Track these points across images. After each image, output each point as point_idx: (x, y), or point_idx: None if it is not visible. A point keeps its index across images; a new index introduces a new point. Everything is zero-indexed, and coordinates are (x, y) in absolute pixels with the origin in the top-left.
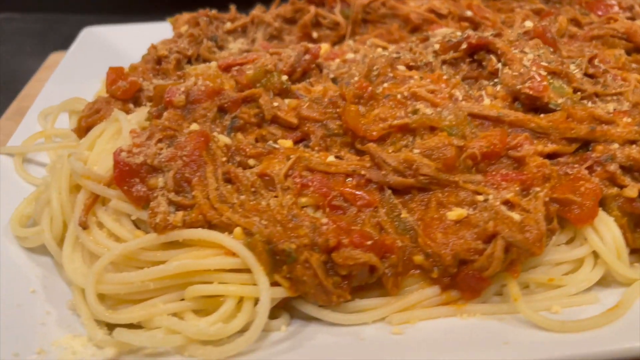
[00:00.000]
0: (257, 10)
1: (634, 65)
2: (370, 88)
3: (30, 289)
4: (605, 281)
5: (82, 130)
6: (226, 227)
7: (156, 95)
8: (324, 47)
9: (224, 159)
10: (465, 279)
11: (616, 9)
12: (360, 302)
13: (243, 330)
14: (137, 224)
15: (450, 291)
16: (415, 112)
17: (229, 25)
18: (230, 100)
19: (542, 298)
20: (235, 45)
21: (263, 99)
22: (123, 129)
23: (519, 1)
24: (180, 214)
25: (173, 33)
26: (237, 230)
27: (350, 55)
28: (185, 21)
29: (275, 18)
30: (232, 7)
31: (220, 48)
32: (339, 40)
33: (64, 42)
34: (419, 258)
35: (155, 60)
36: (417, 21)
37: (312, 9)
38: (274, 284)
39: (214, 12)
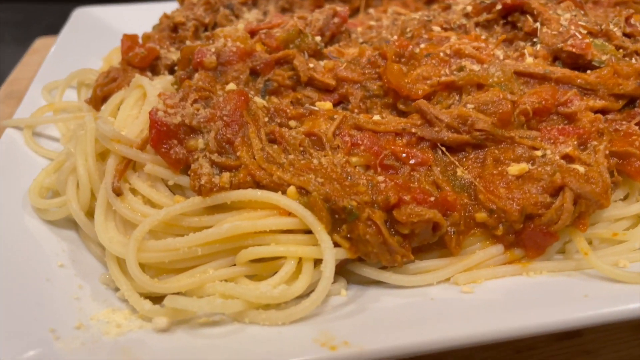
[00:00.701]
0: None
1: None
2: (410, 46)
3: (58, 262)
4: None
5: (98, 100)
6: (277, 187)
7: (183, 57)
8: None
9: (266, 119)
10: (531, 235)
11: None
12: (422, 263)
13: (303, 294)
14: (172, 190)
15: (514, 249)
16: (461, 69)
17: None
18: (263, 62)
19: (608, 253)
20: (251, 15)
21: (298, 60)
22: (148, 93)
23: None
24: (226, 175)
25: (181, 6)
26: (291, 189)
27: (373, 23)
28: None
29: None
30: None
31: (237, 17)
32: (353, 14)
33: (46, 31)
34: (481, 215)
35: (171, 28)
36: None
37: None
38: (334, 245)
39: None
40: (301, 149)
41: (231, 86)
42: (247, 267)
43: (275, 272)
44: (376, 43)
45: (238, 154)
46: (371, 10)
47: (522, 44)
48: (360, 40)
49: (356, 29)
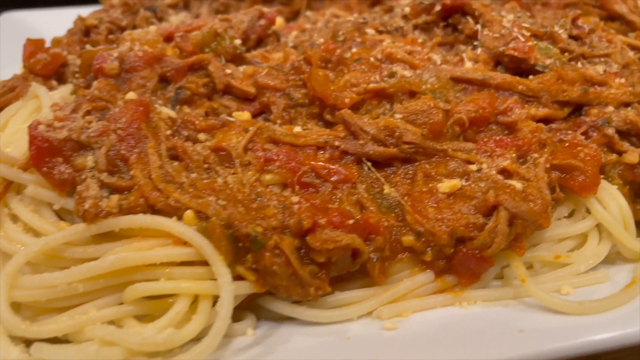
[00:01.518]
0: None
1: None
2: (338, 50)
3: None
4: (607, 258)
5: None
6: (174, 212)
7: (83, 63)
8: (279, 20)
9: (169, 132)
10: (463, 260)
11: None
12: (342, 295)
13: (199, 337)
14: (61, 215)
15: (445, 276)
16: (392, 75)
17: None
18: (174, 67)
19: (550, 278)
20: (178, 18)
21: (213, 65)
22: (43, 104)
23: None
24: (115, 197)
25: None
26: (188, 213)
27: (308, 26)
28: None
29: None
30: None
31: (160, 20)
32: (294, 17)
33: None
34: (408, 239)
35: (83, 32)
36: None
37: None
38: (237, 277)
39: None
40: (206, 166)
41: (131, 95)
42: (136, 306)
43: None
44: (307, 47)
45: (132, 172)
46: (309, 13)
47: (462, 47)
48: (291, 44)
49: (289, 32)
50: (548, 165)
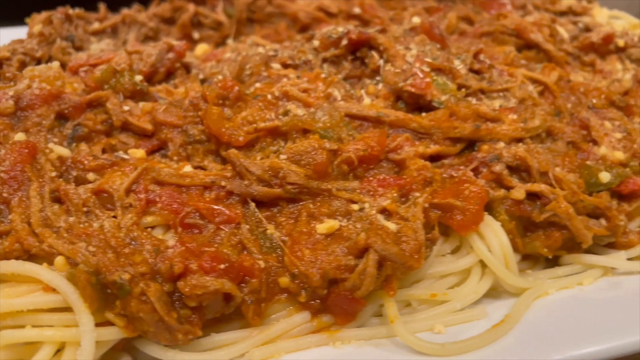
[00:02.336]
0: (132, 10)
1: (523, 62)
2: (236, 88)
3: None
4: (496, 292)
5: None
6: (48, 257)
7: None
8: (202, 47)
9: (54, 174)
10: (336, 301)
11: (509, 7)
12: (216, 337)
13: None
14: None
15: (322, 316)
16: (286, 113)
17: (96, 25)
18: (71, 105)
19: (424, 317)
20: (99, 46)
21: (111, 102)
22: None
23: None
24: None
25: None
26: (59, 259)
27: (228, 55)
28: (41, 20)
29: (152, 17)
30: (102, 6)
31: (79, 49)
32: (223, 42)
33: None
34: (284, 280)
35: None
36: (306, 20)
37: (192, 7)
38: (107, 322)
39: (78, 10)
40: (85, 209)
41: (20, 136)
42: (8, 352)
43: None
44: (204, 85)
45: (11, 216)
46: (229, 41)
47: (368, 81)
48: (202, 76)
49: (211, 60)
50: (427, 205)
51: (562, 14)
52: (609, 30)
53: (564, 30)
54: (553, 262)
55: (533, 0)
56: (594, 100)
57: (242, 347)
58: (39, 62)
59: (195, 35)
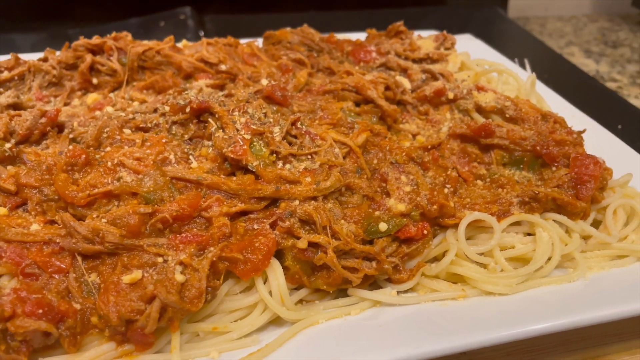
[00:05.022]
0: (39, 59)
1: (356, 119)
2: (83, 156)
3: None
4: (286, 322)
5: None
6: None
7: None
8: (93, 96)
9: None
10: (133, 335)
11: (374, 54)
12: None
13: None
14: None
15: (125, 345)
16: (119, 179)
17: (6, 74)
18: None
19: (204, 345)
20: (0, 99)
21: None
22: None
23: (287, 50)
24: None
25: None
26: None
27: (109, 109)
28: None
29: (57, 64)
30: (13, 55)
31: None
32: (119, 86)
33: None
34: (94, 319)
35: None
36: (189, 69)
37: (89, 57)
38: None
39: None
40: None
41: None
42: None
43: None
44: (84, 139)
45: None
46: (112, 95)
47: (207, 142)
48: (72, 135)
49: (74, 124)
50: (215, 259)
51: (420, 60)
52: (440, 85)
53: (407, 82)
54: (344, 293)
55: (395, 48)
56: (397, 157)
57: None
58: None
59: (94, 80)
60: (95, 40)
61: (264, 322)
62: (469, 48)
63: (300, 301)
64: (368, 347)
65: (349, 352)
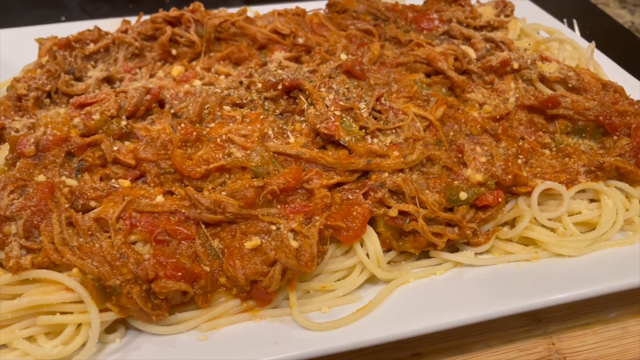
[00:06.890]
0: (118, 30)
1: (424, 92)
2: (195, 133)
3: None
4: (377, 281)
5: None
6: (68, 267)
7: (11, 145)
8: (177, 69)
9: (67, 205)
10: (256, 293)
11: (437, 22)
12: (178, 316)
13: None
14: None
15: (248, 301)
16: (229, 154)
17: (92, 46)
18: (76, 146)
19: (315, 301)
20: (94, 74)
21: (104, 144)
22: None
23: (353, 19)
24: (29, 257)
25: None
26: (75, 270)
27: (197, 83)
28: (47, 50)
29: (137, 36)
30: (96, 27)
31: (79, 79)
32: (197, 56)
33: None
34: (223, 279)
35: (16, 98)
36: (263, 40)
37: (169, 29)
38: (106, 309)
39: (76, 34)
40: (90, 232)
41: (41, 177)
42: (45, 327)
43: None
44: (185, 114)
45: (41, 238)
46: (198, 69)
47: (297, 118)
48: (173, 111)
49: (173, 100)
50: (322, 227)
51: (481, 27)
52: (505, 56)
53: (472, 52)
54: (426, 254)
55: (457, 16)
56: (471, 129)
57: (195, 322)
58: (48, 94)
59: (173, 51)
60: (173, 12)
61: (363, 281)
62: (522, 11)
63: (389, 262)
64: (461, 304)
65: (446, 309)
